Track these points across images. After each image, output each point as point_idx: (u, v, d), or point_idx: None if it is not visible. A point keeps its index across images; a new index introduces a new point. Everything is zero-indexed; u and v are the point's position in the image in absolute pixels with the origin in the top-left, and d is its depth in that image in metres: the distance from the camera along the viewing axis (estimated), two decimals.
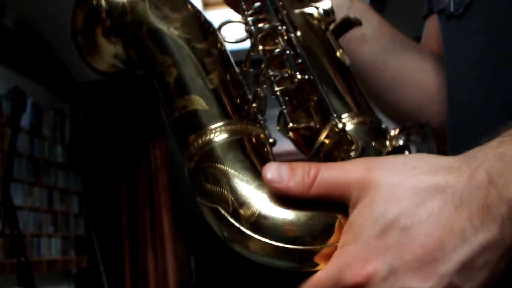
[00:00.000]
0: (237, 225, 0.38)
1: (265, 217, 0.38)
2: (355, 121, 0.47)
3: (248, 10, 0.51)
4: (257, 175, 0.40)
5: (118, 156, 4.16)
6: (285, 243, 0.38)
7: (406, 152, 0.44)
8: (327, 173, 0.37)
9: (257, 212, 0.38)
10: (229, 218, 0.38)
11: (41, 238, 3.47)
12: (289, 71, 0.47)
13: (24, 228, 3.28)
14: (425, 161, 0.37)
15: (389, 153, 0.44)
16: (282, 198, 0.38)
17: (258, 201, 0.38)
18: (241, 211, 0.38)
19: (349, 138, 0.45)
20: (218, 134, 0.41)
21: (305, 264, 0.39)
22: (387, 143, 0.44)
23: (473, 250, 0.34)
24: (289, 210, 0.38)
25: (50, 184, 3.64)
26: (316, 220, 0.38)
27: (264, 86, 0.47)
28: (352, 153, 0.45)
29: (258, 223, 0.38)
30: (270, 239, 0.38)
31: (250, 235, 0.38)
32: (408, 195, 0.35)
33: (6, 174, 3.01)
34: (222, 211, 0.39)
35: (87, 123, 4.29)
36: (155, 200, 4.08)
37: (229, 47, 0.50)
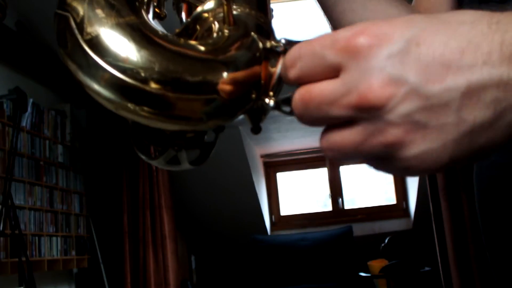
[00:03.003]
0: (78, 37, 0.37)
1: (109, 40, 0.36)
2: (246, 10, 0.44)
3: None
4: (132, 11, 0.38)
5: (119, 156, 4.16)
6: (120, 72, 0.35)
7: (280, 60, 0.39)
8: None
9: (102, 32, 0.36)
10: (74, 29, 0.37)
11: (42, 237, 3.47)
12: None
13: (25, 228, 3.28)
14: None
15: (264, 49, 0.39)
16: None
17: (108, 25, 0.37)
18: (88, 26, 0.37)
19: (233, 18, 0.42)
20: None
21: (141, 110, 0.36)
22: (267, 42, 0.40)
23: (491, 77, 0.31)
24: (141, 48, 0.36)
25: (51, 184, 3.65)
26: (180, 64, 0.36)
27: None
28: (228, 33, 0.41)
29: (99, 42, 0.36)
30: (105, 62, 0.36)
31: (87, 51, 0.36)
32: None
33: (7, 174, 3.01)
34: (71, 21, 0.37)
35: (88, 123, 4.29)
36: (155, 200, 4.08)
37: None
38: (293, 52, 0.34)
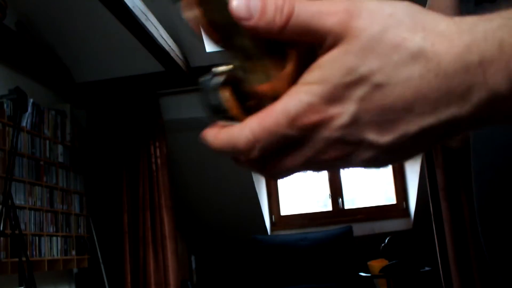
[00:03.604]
0: None
1: None
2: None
3: None
4: None
5: (119, 156, 4.16)
6: None
7: None
8: (303, 14, 0.34)
9: None
10: None
11: (42, 237, 3.47)
12: None
13: (25, 228, 3.28)
14: (415, 17, 0.34)
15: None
16: None
17: None
18: None
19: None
20: None
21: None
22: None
23: (439, 121, 0.34)
24: None
25: (51, 184, 3.65)
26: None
27: None
28: None
29: None
30: None
31: None
32: (389, 52, 0.33)
33: (7, 174, 3.01)
34: None
35: (88, 123, 4.29)
36: (155, 200, 4.08)
37: None
38: (246, 139, 0.36)
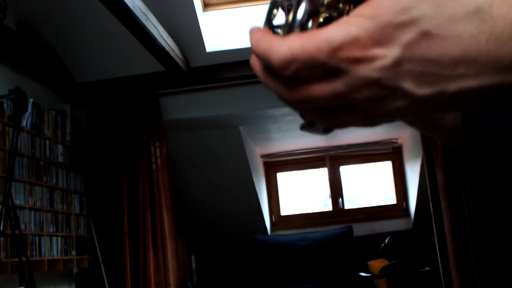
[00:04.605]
0: None
1: None
2: None
3: None
4: None
5: (119, 156, 4.16)
6: None
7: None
8: None
9: None
10: None
11: (42, 237, 3.47)
12: None
13: (25, 228, 3.28)
14: None
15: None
16: None
17: None
18: None
19: None
20: None
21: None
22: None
23: (481, 86, 0.33)
24: None
25: (51, 184, 3.65)
26: None
27: None
28: None
29: None
30: None
31: None
32: (446, 2, 0.33)
33: (7, 174, 3.01)
34: None
35: (88, 123, 4.29)
36: (156, 200, 4.08)
37: None
38: (282, 54, 0.35)
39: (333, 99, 0.36)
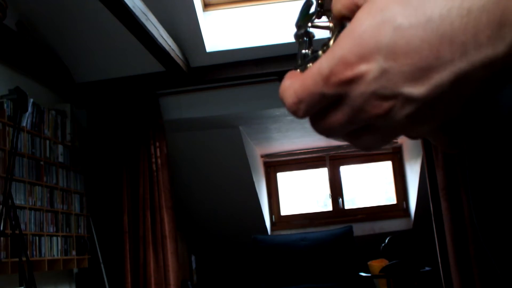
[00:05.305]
0: None
1: None
2: None
3: None
4: None
5: (119, 156, 4.17)
6: None
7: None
8: None
9: None
10: None
11: (42, 237, 3.47)
12: None
13: (25, 228, 3.28)
14: None
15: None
16: None
17: None
18: None
19: None
20: None
21: None
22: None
23: (473, 66, 0.31)
24: None
25: (51, 183, 3.65)
26: None
27: None
28: None
29: None
30: None
31: None
32: None
33: (7, 174, 3.01)
34: None
35: (88, 123, 4.30)
36: (156, 200, 4.08)
37: None
38: (291, 99, 0.37)
39: (349, 124, 0.37)
